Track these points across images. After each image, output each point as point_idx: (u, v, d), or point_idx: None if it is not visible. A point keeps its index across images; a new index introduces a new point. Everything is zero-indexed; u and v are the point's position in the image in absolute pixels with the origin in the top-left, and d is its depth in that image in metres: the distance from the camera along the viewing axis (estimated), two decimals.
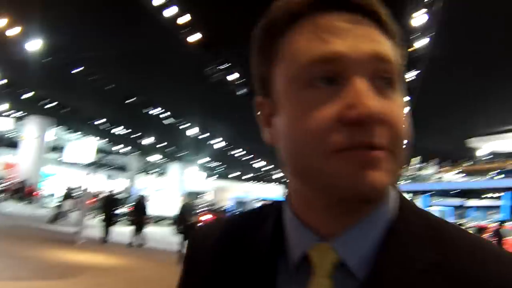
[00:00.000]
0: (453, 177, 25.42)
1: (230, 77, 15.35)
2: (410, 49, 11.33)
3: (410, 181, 28.22)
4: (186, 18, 12.06)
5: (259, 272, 0.62)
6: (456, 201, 27.45)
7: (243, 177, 46.06)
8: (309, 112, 0.54)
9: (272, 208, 0.69)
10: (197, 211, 12.47)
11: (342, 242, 0.58)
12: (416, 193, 29.08)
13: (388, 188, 0.57)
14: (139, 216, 13.80)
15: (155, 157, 37.59)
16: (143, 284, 8.20)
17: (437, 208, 29.34)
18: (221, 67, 14.63)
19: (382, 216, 0.59)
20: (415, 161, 27.77)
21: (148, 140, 30.64)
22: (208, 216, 19.31)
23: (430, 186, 27.02)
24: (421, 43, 11.08)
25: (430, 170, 27.28)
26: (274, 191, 42.35)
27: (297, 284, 0.60)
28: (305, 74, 0.55)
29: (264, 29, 0.61)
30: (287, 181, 0.65)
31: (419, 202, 29.31)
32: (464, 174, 26.07)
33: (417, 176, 27.65)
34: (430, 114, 16.78)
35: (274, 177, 44.85)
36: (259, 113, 0.64)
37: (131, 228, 14.05)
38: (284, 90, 0.58)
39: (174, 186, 37.30)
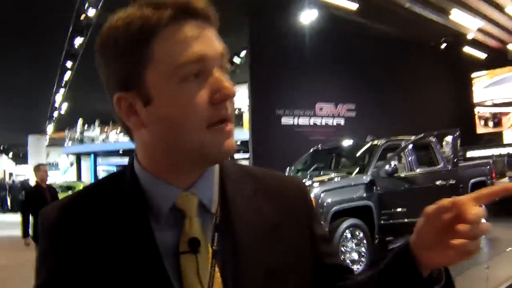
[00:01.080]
0: (117, 137, 25.22)
1: None
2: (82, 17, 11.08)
3: (76, 143, 27.38)
4: None
5: (137, 230, 0.77)
6: (122, 161, 27.55)
7: None
8: (189, 99, 0.73)
9: (117, 178, 0.85)
10: None
11: (199, 189, 0.81)
12: (83, 154, 28.58)
13: None
14: None
15: None
16: None
17: (104, 167, 29.70)
18: None
19: (215, 167, 0.85)
20: (80, 123, 27.05)
21: None
22: None
23: (97, 147, 26.75)
24: (91, 12, 10.85)
25: (94, 131, 26.75)
26: None
27: (171, 229, 0.78)
28: (181, 72, 0.72)
29: (128, 38, 0.74)
30: (137, 154, 0.83)
31: (87, 163, 28.96)
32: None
33: (84, 138, 26.70)
34: (94, 77, 16.64)
35: None
36: (119, 105, 0.78)
37: None
38: (162, 84, 0.74)
39: None
